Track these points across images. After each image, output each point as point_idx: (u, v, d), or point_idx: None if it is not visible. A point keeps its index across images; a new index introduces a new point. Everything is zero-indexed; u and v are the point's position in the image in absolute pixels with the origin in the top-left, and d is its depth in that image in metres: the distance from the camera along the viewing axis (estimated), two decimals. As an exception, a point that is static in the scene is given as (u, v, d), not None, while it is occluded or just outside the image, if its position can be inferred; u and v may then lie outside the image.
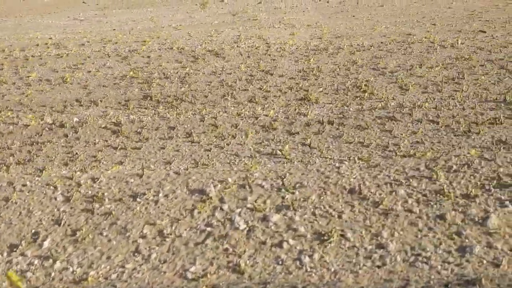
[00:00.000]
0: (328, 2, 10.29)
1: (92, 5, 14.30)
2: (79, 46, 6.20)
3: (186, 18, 8.95)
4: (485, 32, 5.72)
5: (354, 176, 2.18)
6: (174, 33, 6.92)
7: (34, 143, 2.97)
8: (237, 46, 5.59)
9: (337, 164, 2.34)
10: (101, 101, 3.84)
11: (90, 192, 2.19)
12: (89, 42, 6.56)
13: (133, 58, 5.32)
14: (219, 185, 2.16)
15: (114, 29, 7.99)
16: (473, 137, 2.66)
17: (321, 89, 3.76)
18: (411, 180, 2.12)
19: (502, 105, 3.12)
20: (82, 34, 7.48)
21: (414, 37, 5.55)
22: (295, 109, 3.31)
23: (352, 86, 3.77)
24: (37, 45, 6.55)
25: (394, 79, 3.90)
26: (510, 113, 2.98)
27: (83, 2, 15.65)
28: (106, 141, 2.97)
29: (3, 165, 2.64)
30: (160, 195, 2.11)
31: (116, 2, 14.58)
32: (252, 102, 3.54)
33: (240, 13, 9.21)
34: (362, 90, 3.65)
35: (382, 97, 3.43)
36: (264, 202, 2.00)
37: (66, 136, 3.09)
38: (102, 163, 2.61)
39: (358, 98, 3.46)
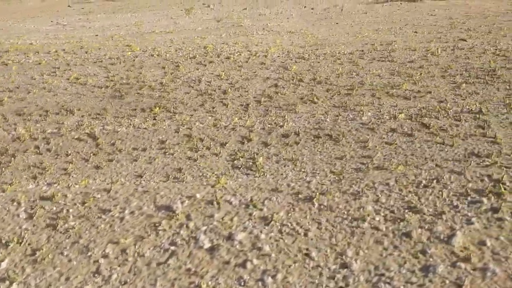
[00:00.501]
0: (312, 9, 10.34)
1: (78, 9, 14.19)
2: (60, 53, 6.12)
3: (170, 24, 8.90)
4: (465, 40, 5.76)
5: (323, 192, 2.15)
6: (157, 39, 6.87)
7: (4, 155, 2.91)
8: (219, 54, 5.56)
9: (307, 178, 2.32)
10: (78, 109, 3.78)
11: (54, 208, 2.14)
12: (70, 48, 6.48)
13: (114, 65, 5.27)
14: (187, 201, 2.13)
15: (97, 35, 7.92)
16: (446, 150, 2.66)
17: (300, 98, 3.75)
18: (380, 195, 2.10)
19: (479, 116, 3.13)
20: (64, 40, 7.40)
21: (396, 44, 5.57)
22: (273, 119, 3.29)
23: (332, 95, 3.77)
24: (17, 50, 6.46)
25: (373, 88, 3.90)
26: (484, 124, 2.99)
27: (69, 6, 15.52)
28: (78, 152, 2.92)
29: (-31, 178, 2.58)
30: (126, 211, 2.07)
31: (101, 7, 14.48)
32: (230, 112, 3.51)
33: (225, 19, 9.19)
34: (340, 100, 3.64)
35: (360, 108, 3.43)
36: (231, 220, 1.97)
37: (38, 147, 3.03)
38: (72, 176, 2.56)
39: (337, 108, 3.45)
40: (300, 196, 2.14)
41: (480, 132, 2.83)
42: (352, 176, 2.32)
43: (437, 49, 5.26)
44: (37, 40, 7.44)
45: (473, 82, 3.92)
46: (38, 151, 2.98)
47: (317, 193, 2.15)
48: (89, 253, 1.81)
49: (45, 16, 12.13)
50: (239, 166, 2.57)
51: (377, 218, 1.91)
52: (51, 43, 7.13)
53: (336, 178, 2.32)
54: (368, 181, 2.25)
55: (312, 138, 2.92)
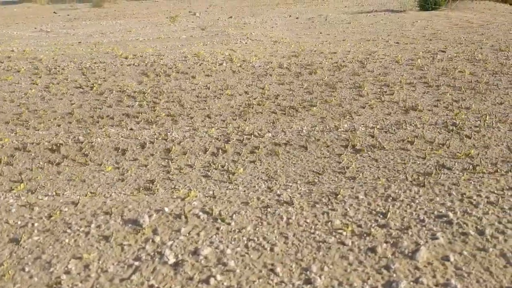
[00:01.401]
0: (297, 18, 10.40)
1: (63, 16, 14.10)
2: (39, 61, 6.05)
3: (155, 32, 8.89)
4: (444, 51, 5.84)
5: (293, 205, 2.15)
6: (140, 47, 6.84)
7: (-27, 166, 2.86)
8: (201, 63, 5.55)
9: (278, 192, 2.31)
10: (54, 118, 3.74)
11: (19, 222, 2.11)
12: (52, 56, 6.41)
13: (94, 73, 5.22)
14: (155, 215, 2.11)
15: (80, 42, 7.87)
16: (418, 162, 2.68)
17: (278, 108, 3.75)
18: (348, 209, 2.10)
19: (453, 128, 3.16)
20: (46, 47, 7.33)
21: (377, 54, 5.62)
22: (251, 130, 3.28)
23: (310, 105, 3.78)
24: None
25: (350, 99, 3.93)
26: (458, 137, 3.02)
27: (54, 12, 15.42)
28: (51, 163, 2.88)
29: None
30: (93, 225, 2.04)
31: (86, 14, 14.41)
32: (207, 122, 3.50)
33: (209, 27, 9.20)
34: (316, 112, 3.66)
35: (336, 120, 3.44)
36: (198, 234, 1.95)
37: (12, 156, 2.99)
38: (42, 188, 2.52)
39: (314, 119, 3.46)
40: (269, 209, 2.13)
41: (454, 144, 2.86)
42: (323, 188, 2.33)
43: (417, 58, 5.32)
44: (19, 47, 7.35)
45: (451, 93, 3.97)
46: (10, 162, 2.93)
47: (286, 207, 2.14)
48: (51, 269, 1.78)
49: (29, 23, 12.03)
50: (213, 178, 2.56)
51: (343, 233, 1.91)
52: (32, 50, 7.06)
53: (307, 190, 2.32)
54: (339, 194, 2.25)
55: (288, 149, 2.93)
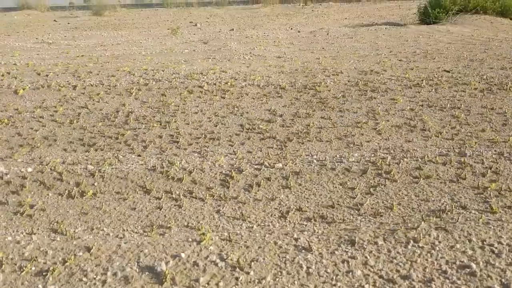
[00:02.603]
0: (299, 31, 10.41)
1: (64, 24, 14.07)
2: (43, 77, 5.99)
3: (157, 45, 8.87)
4: (449, 71, 5.85)
5: (312, 252, 2.12)
6: (142, 62, 6.76)
7: (-18, 199, 2.82)
8: (202, 84, 5.51)
9: (295, 235, 2.28)
10: (54, 140, 3.71)
11: (34, 268, 2.07)
12: (54, 72, 6.36)
13: (99, 94, 5.18)
14: (171, 261, 2.07)
15: (83, 55, 7.83)
16: (433, 199, 2.66)
17: (285, 132, 3.73)
18: (368, 257, 2.08)
19: (457, 157, 3.15)
20: (48, 61, 7.29)
21: (381, 75, 5.61)
22: (261, 159, 3.26)
23: (318, 129, 3.76)
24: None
25: (357, 123, 3.91)
26: (470, 169, 3.01)
27: (54, 21, 15.38)
28: (60, 195, 2.85)
29: None
30: (109, 273, 2.01)
31: (86, 23, 14.38)
32: (214, 149, 3.48)
33: (212, 41, 9.19)
34: (323, 137, 3.64)
35: (344, 147, 3.43)
36: (217, 285, 1.92)
37: (16, 193, 2.95)
38: (52, 224, 2.48)
39: (323, 146, 3.44)
40: (287, 256, 2.10)
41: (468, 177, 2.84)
42: (341, 232, 2.30)
43: (422, 80, 5.32)
44: (21, 61, 7.31)
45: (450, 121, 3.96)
46: (16, 195, 2.89)
47: (305, 255, 2.11)
48: (68, 324, 1.74)
49: (30, 32, 11.98)
50: (225, 215, 2.54)
51: (366, 286, 1.88)
52: (34, 63, 7.01)
53: (325, 233, 2.29)
54: (358, 238, 2.22)
55: (300, 182, 2.90)
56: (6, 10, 19.23)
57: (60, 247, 2.23)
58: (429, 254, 2.07)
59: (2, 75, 6.13)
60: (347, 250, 2.13)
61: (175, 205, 2.69)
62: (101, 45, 9.01)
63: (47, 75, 6.09)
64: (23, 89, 5.39)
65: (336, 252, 2.11)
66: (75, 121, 4.28)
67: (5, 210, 2.68)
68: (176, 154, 3.47)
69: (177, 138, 3.80)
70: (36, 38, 10.60)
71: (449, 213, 2.46)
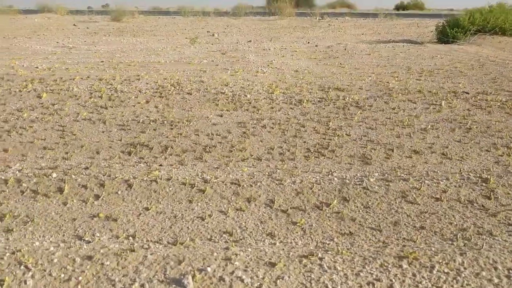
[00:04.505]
0: (316, 46, 10.47)
1: (83, 29, 14.29)
2: (65, 82, 6.10)
3: (175, 54, 8.97)
4: (468, 93, 5.84)
5: (337, 273, 2.13)
6: (163, 71, 6.86)
7: None
8: (220, 93, 5.57)
9: (320, 255, 2.30)
10: (81, 146, 3.77)
11: (62, 275, 2.10)
12: (77, 77, 6.47)
13: (123, 102, 5.26)
14: (198, 275, 2.09)
15: (102, 61, 7.95)
16: (455, 223, 2.66)
17: (304, 146, 3.75)
18: (393, 280, 2.08)
19: (482, 184, 3.14)
20: (69, 65, 7.41)
21: (397, 97, 5.62)
22: (280, 174, 3.28)
23: (338, 147, 3.78)
24: (25, 79, 6.44)
25: (378, 141, 3.93)
26: (496, 199, 3.00)
27: (74, 25, 15.63)
28: (84, 201, 2.89)
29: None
30: (136, 284, 2.03)
31: (105, 28, 14.60)
32: (233, 163, 3.51)
33: (229, 52, 9.28)
34: (344, 153, 3.65)
35: (365, 164, 3.44)
36: (244, 302, 1.94)
37: (48, 206, 2.99)
38: (77, 230, 2.52)
39: (343, 164, 3.46)
40: (313, 275, 2.12)
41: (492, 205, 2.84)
42: (365, 253, 2.31)
43: (441, 102, 5.32)
44: (43, 64, 7.44)
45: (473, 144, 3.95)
46: (43, 199, 2.94)
47: (330, 275, 2.13)
48: (98, 334, 1.77)
49: (50, 35, 12.19)
50: (247, 229, 2.56)
51: (392, 310, 1.89)
52: (56, 67, 7.13)
53: (348, 256, 2.30)
54: (380, 261, 2.23)
55: (323, 204, 2.92)
56: (27, 13, 19.58)
57: (87, 255, 2.26)
58: (454, 281, 2.07)
59: (25, 81, 6.24)
60: (371, 272, 2.14)
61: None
62: (121, 52, 9.14)
63: (73, 79, 6.18)
64: (40, 97, 5.48)
65: (361, 274, 2.12)
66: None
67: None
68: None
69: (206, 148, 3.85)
70: (57, 42, 10.78)
71: (473, 238, 2.46)
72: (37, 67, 7.18)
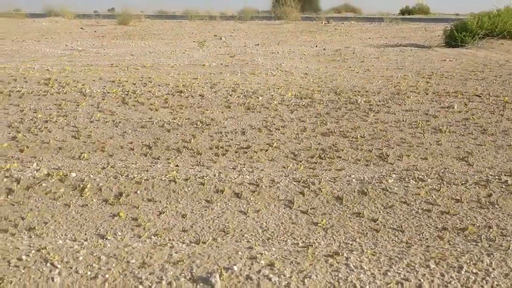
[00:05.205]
0: (324, 49, 10.47)
1: (90, 32, 14.36)
2: (78, 83, 6.12)
3: (185, 57, 8.99)
4: (480, 96, 5.82)
5: (364, 272, 2.12)
6: (173, 74, 6.86)
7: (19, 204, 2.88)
8: (232, 95, 5.57)
9: (345, 254, 2.28)
10: (96, 147, 3.77)
11: (89, 273, 2.10)
12: (89, 78, 6.49)
13: (143, 104, 5.27)
14: (225, 274, 2.09)
15: (112, 64, 7.98)
16: (477, 225, 2.64)
17: (319, 147, 3.75)
18: (422, 280, 2.07)
19: (502, 186, 3.13)
20: (80, 67, 7.43)
21: (409, 99, 5.60)
22: (297, 175, 3.28)
23: (353, 148, 3.77)
24: (38, 81, 6.46)
25: (392, 143, 3.91)
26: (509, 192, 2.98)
27: (81, 28, 15.70)
28: (105, 201, 2.89)
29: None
30: (163, 282, 2.03)
31: (112, 32, 14.66)
32: (249, 165, 3.50)
33: (238, 55, 9.29)
34: (361, 157, 3.65)
35: (380, 165, 3.43)
36: (273, 300, 1.93)
37: (68, 205, 3.00)
38: (99, 229, 2.52)
39: (360, 166, 3.45)
40: (340, 274, 2.10)
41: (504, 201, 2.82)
42: (390, 253, 2.30)
43: (452, 105, 5.30)
44: (53, 67, 7.47)
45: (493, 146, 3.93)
46: (66, 204, 2.94)
47: (356, 274, 2.12)
48: (128, 331, 1.76)
49: (59, 39, 12.24)
50: (273, 231, 2.55)
51: (423, 309, 1.87)
52: (66, 69, 7.15)
53: (372, 253, 2.29)
54: (408, 260, 2.22)
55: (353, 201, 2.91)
56: (34, 17, 19.69)
57: (112, 253, 2.26)
58: (484, 281, 2.05)
59: (38, 82, 6.26)
60: (399, 271, 2.12)
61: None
62: (130, 55, 9.17)
63: (84, 84, 6.20)
64: (49, 95, 5.50)
65: (388, 274, 2.11)
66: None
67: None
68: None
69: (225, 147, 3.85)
70: (66, 45, 10.83)
71: (497, 239, 2.44)
72: (48, 69, 7.20)
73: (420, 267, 2.16)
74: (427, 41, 12.01)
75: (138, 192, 3.05)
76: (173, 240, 2.47)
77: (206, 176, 3.29)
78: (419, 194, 3.03)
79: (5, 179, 3.19)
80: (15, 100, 5.33)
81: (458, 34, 10.71)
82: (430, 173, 3.39)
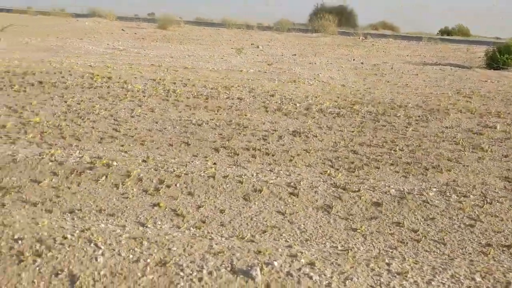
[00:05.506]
0: (362, 63, 10.41)
1: (131, 34, 14.72)
2: (120, 79, 6.26)
3: (223, 62, 9.10)
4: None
5: (407, 279, 2.07)
6: (212, 77, 6.94)
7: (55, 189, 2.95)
8: (270, 100, 5.58)
9: (387, 260, 2.24)
10: (136, 140, 3.84)
11: (131, 256, 2.12)
12: (130, 76, 6.64)
13: (183, 102, 5.35)
14: (265, 268, 2.08)
15: (152, 64, 8.14)
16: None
17: (356, 157, 3.71)
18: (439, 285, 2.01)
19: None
20: (121, 65, 7.62)
21: (449, 116, 5.48)
22: (336, 182, 3.25)
23: (392, 160, 3.71)
24: (82, 75, 6.65)
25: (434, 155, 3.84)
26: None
27: (122, 30, 16.12)
28: (145, 191, 2.93)
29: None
30: (204, 271, 2.03)
31: (152, 35, 14.98)
32: (286, 168, 3.49)
33: (275, 63, 9.34)
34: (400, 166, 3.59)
35: (420, 176, 3.36)
36: (313, 298, 1.90)
37: (110, 192, 3.06)
38: (139, 217, 2.56)
39: (398, 176, 3.39)
40: (382, 279, 2.06)
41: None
42: (433, 263, 2.24)
43: (494, 125, 5.17)
44: (96, 63, 7.67)
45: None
46: (108, 187, 3.00)
47: (397, 277, 2.07)
48: (169, 314, 1.77)
49: (101, 38, 12.60)
50: (311, 235, 2.53)
51: (469, 321, 1.82)
52: (108, 66, 7.34)
53: (415, 261, 2.24)
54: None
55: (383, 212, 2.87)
56: (79, 16, 20.36)
57: (154, 239, 2.28)
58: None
59: (82, 76, 6.44)
60: (443, 282, 2.07)
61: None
62: (170, 57, 9.35)
63: (126, 82, 6.35)
64: (94, 88, 5.64)
65: (432, 283, 2.05)
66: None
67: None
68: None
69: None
70: (107, 44, 11.13)
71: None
72: (90, 65, 7.41)
73: (466, 279, 2.10)
74: (467, 61, 11.78)
75: (177, 185, 3.09)
76: (212, 233, 2.48)
77: (244, 175, 3.30)
78: (461, 209, 2.95)
79: (50, 163, 3.27)
80: (60, 91, 5.51)
81: (501, 56, 10.47)
82: (472, 190, 3.31)
